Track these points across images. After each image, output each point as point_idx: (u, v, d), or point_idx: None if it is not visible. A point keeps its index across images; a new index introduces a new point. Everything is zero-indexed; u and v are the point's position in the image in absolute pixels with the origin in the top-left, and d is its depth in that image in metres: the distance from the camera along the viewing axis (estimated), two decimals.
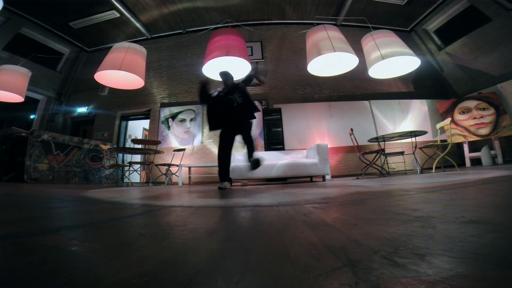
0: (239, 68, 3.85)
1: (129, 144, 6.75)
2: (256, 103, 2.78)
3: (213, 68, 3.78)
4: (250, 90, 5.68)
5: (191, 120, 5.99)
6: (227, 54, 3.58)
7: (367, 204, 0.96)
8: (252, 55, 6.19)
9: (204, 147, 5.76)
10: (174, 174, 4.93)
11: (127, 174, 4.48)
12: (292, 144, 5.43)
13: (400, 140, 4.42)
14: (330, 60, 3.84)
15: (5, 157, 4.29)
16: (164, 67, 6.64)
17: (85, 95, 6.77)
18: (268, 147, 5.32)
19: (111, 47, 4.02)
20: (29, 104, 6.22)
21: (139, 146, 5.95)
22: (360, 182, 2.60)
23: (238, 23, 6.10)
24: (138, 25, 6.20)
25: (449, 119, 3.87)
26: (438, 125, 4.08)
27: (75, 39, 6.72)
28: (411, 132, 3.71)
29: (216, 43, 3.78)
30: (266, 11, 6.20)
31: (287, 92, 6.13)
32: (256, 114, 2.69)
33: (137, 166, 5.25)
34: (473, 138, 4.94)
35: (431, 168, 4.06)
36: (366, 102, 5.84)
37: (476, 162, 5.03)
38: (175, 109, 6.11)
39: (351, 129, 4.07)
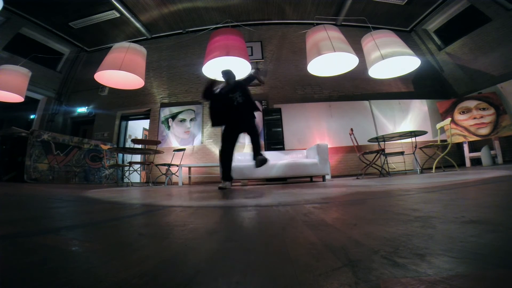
0: (239, 68, 3.84)
1: (129, 144, 6.75)
2: (257, 103, 2.77)
3: (213, 68, 3.78)
4: (250, 90, 5.67)
5: (191, 120, 5.99)
6: (227, 54, 3.59)
7: (367, 204, 0.96)
8: (252, 55, 6.19)
9: (204, 147, 5.76)
10: (174, 174, 4.93)
11: (127, 174, 4.48)
12: (292, 144, 5.43)
13: (400, 140, 4.42)
14: (330, 60, 3.85)
15: (5, 157, 4.29)
16: (164, 67, 6.64)
17: (85, 95, 6.77)
18: (268, 147, 5.31)
19: (111, 47, 4.02)
20: (29, 104, 6.23)
21: (139, 146, 5.95)
22: (360, 182, 2.60)
23: (238, 23, 6.10)
24: (138, 25, 6.20)
25: (449, 119, 3.87)
26: (438, 125, 4.08)
27: (75, 39, 6.72)
28: (411, 132, 3.71)
29: (216, 43, 3.78)
30: (266, 11, 6.20)
31: (287, 92, 6.13)
32: (256, 114, 2.67)
33: (137, 166, 5.25)
34: (473, 138, 4.94)
35: (431, 168, 4.05)
36: (366, 102, 5.84)
37: (476, 162, 5.03)
38: (175, 109, 6.11)
39: (351, 129, 4.07)
